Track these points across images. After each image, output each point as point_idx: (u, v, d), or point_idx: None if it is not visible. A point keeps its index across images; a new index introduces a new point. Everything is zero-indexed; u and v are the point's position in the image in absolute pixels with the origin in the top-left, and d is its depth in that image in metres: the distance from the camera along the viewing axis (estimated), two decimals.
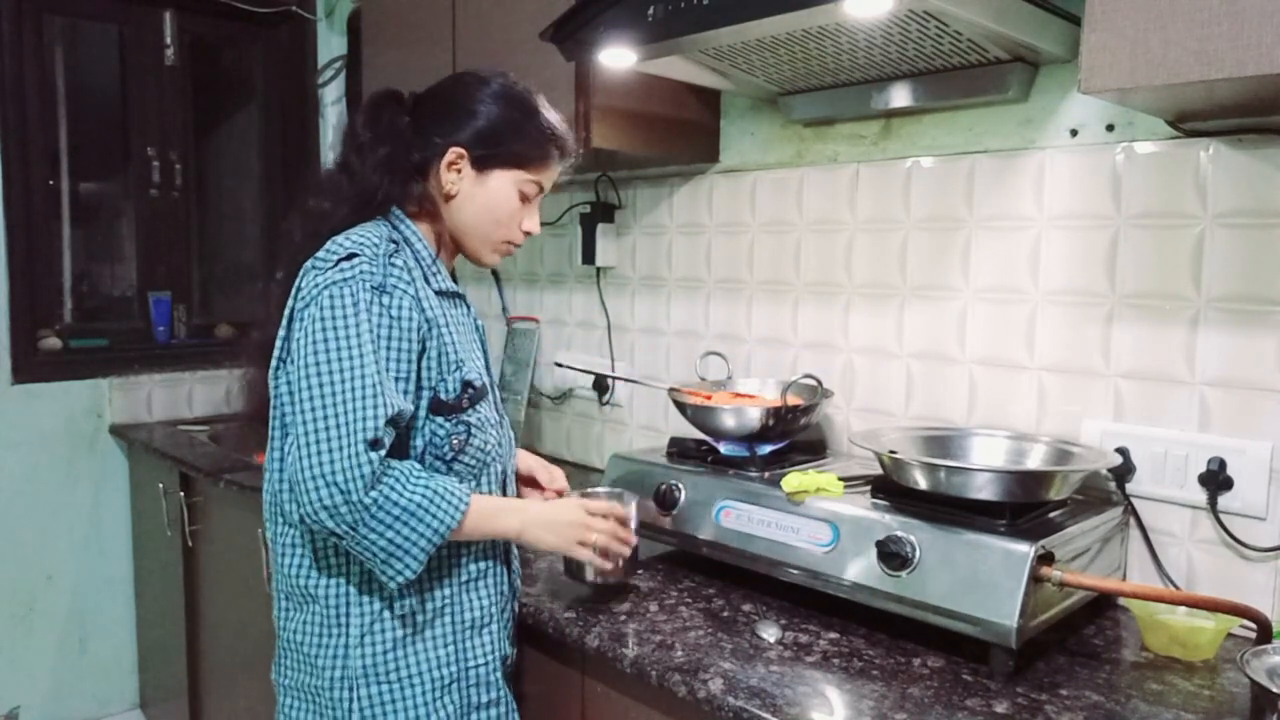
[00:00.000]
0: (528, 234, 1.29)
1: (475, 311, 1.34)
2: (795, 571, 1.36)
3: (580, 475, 2.25)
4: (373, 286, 1.10)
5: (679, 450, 1.65)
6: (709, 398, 1.66)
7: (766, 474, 1.48)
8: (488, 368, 1.31)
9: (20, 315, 2.69)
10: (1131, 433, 1.41)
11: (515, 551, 1.35)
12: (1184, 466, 1.36)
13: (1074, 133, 1.47)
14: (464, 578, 1.23)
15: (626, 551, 1.33)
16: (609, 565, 1.32)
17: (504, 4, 1.90)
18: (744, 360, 1.96)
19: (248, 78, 3.22)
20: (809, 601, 1.37)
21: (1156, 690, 1.14)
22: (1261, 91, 1.10)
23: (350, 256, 1.12)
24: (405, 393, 1.12)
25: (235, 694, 2.37)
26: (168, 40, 2.95)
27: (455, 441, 1.18)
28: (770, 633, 1.29)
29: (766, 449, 1.58)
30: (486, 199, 1.24)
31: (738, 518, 1.43)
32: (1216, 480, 1.33)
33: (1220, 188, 1.32)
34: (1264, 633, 1.11)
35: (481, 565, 1.25)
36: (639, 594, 1.43)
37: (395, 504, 1.07)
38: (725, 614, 1.36)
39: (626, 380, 2.11)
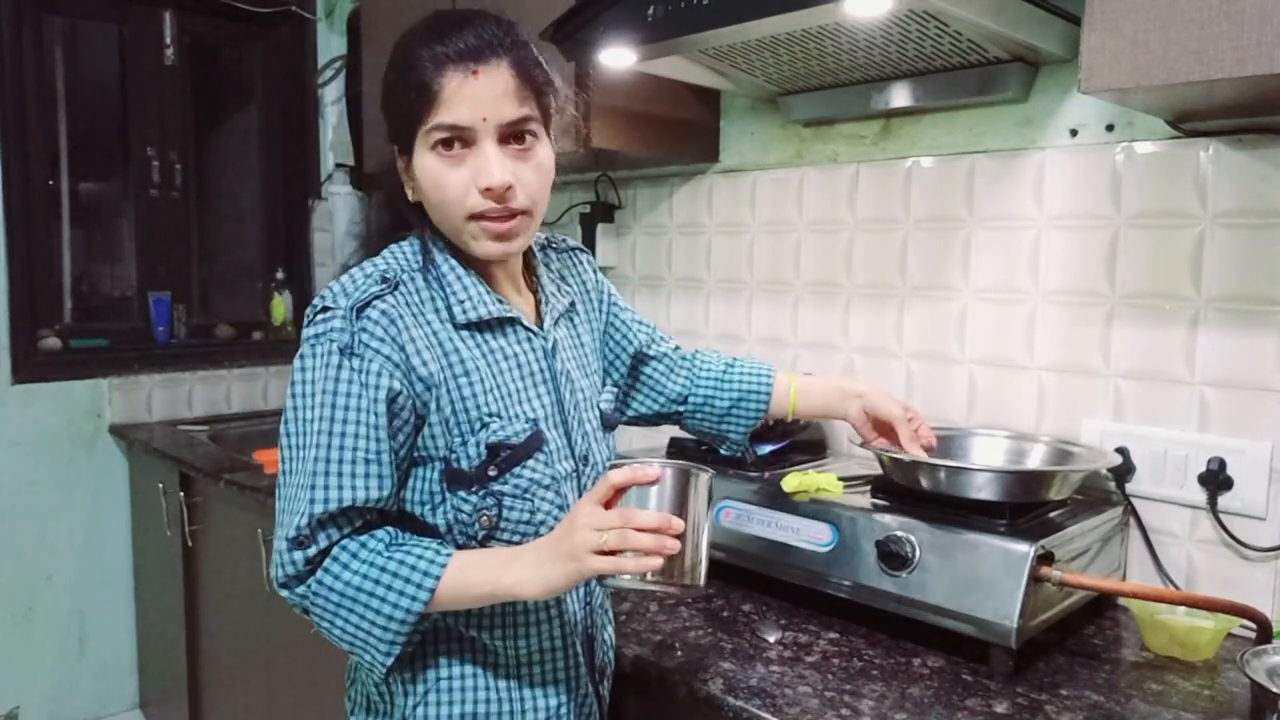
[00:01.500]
0: (490, 191, 0.95)
1: (552, 329, 1.08)
2: (795, 571, 1.36)
3: None
4: (340, 349, 0.92)
5: (679, 450, 1.65)
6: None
7: (766, 474, 1.48)
8: (559, 405, 1.05)
9: (20, 315, 2.68)
10: (1131, 433, 1.41)
11: (604, 624, 1.13)
12: (1184, 466, 1.36)
13: (1074, 133, 1.47)
14: (523, 674, 1.02)
15: (666, 545, 0.87)
16: (644, 566, 0.86)
17: (504, 4, 1.90)
18: None
19: (248, 78, 3.22)
20: (809, 601, 1.37)
21: (1156, 690, 1.14)
22: (1261, 91, 1.10)
23: (324, 309, 0.95)
24: (371, 475, 0.93)
25: (235, 694, 2.37)
26: (168, 40, 2.95)
27: (485, 519, 0.97)
28: (770, 633, 1.29)
29: (766, 449, 1.58)
30: (423, 182, 0.98)
31: (738, 518, 1.43)
32: (1216, 480, 1.33)
33: (1220, 188, 1.32)
34: (1264, 633, 1.11)
35: (546, 660, 1.03)
36: (639, 594, 1.43)
37: (332, 589, 0.92)
38: (725, 614, 1.36)
39: None
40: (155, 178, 2.96)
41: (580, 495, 1.04)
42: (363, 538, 0.94)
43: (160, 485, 2.55)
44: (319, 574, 0.92)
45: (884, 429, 1.25)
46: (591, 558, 0.87)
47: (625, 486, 0.90)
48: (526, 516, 0.99)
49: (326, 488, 0.92)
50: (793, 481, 1.38)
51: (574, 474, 1.05)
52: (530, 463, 0.99)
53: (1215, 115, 1.29)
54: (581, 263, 1.25)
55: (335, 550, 0.93)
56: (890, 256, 1.71)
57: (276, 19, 3.14)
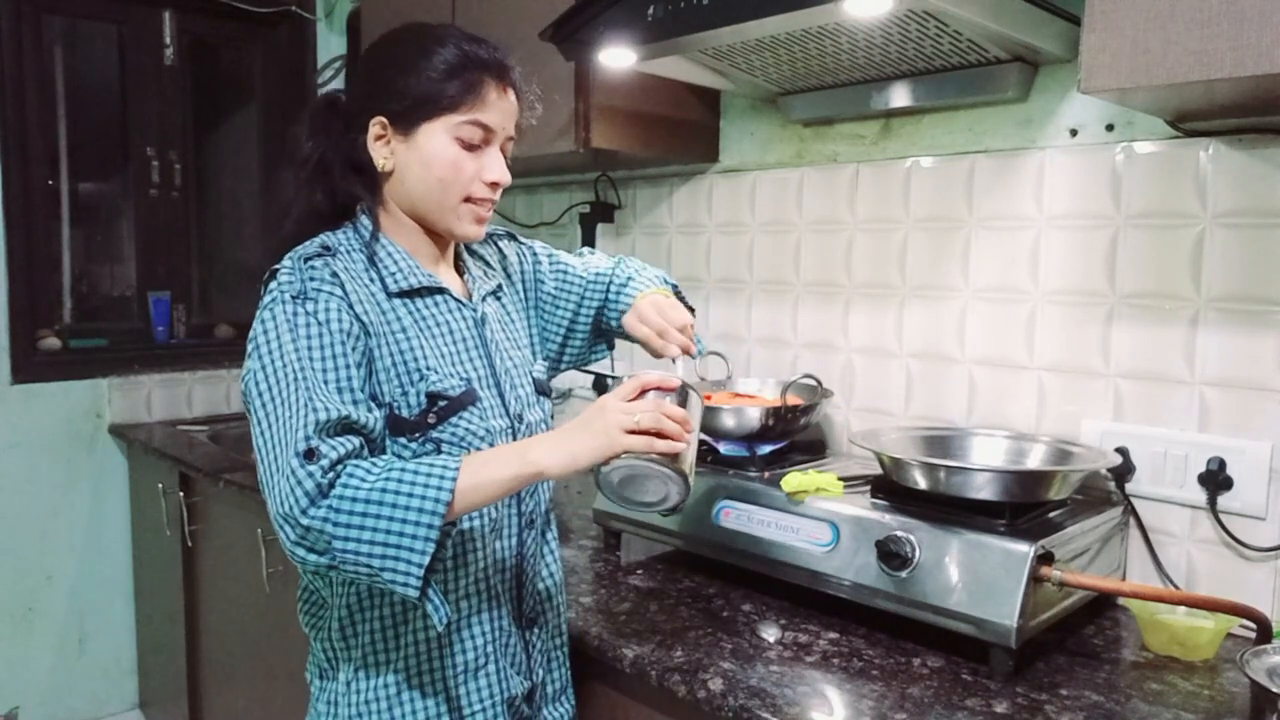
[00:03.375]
0: (494, 185, 1.11)
1: (481, 303, 1.18)
2: (795, 571, 1.35)
3: (580, 475, 2.25)
4: (291, 296, 1.01)
5: None
6: (709, 398, 1.66)
7: (766, 474, 1.48)
8: (491, 369, 1.15)
9: (20, 315, 2.69)
10: (1131, 433, 1.41)
11: (539, 575, 1.20)
12: (1184, 466, 1.36)
13: (1074, 132, 1.47)
14: (453, 616, 1.09)
15: (685, 435, 1.01)
16: (674, 447, 0.99)
17: (504, 4, 1.90)
18: (744, 360, 1.96)
19: (247, 78, 3.22)
20: (809, 601, 1.37)
21: (1156, 690, 1.14)
22: (1261, 91, 1.10)
23: (272, 274, 1.05)
24: (356, 401, 0.99)
25: (235, 694, 2.37)
26: (167, 40, 2.95)
27: None
28: (770, 633, 1.29)
29: (766, 449, 1.58)
30: (422, 160, 1.08)
31: (738, 518, 1.43)
32: (1216, 480, 1.33)
33: (1220, 188, 1.32)
34: (1264, 633, 1.11)
35: (473, 602, 1.10)
36: (639, 594, 1.43)
37: (355, 499, 0.92)
38: (725, 614, 1.36)
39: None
40: (155, 178, 2.96)
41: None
42: (371, 459, 0.97)
43: (160, 485, 2.55)
44: (338, 489, 0.92)
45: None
46: (623, 435, 0.98)
47: (653, 387, 1.03)
48: None
49: (320, 400, 0.96)
50: (793, 481, 1.38)
51: (509, 430, 1.13)
52: (465, 414, 1.08)
53: (1215, 115, 1.29)
54: (501, 249, 1.31)
55: (348, 468, 0.94)
56: (890, 256, 1.71)
57: (276, 19, 3.14)
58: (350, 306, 1.03)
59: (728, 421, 1.57)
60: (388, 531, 0.93)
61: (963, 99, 1.55)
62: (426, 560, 0.93)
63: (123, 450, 2.86)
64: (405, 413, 1.05)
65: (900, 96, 1.61)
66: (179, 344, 3.01)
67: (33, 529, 2.72)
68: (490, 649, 1.12)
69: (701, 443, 1.61)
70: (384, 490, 0.93)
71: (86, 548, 2.82)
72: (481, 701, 1.11)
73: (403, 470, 0.95)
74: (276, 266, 1.05)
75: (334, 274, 1.04)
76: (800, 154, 1.85)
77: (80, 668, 2.84)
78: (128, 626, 2.92)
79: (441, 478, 0.94)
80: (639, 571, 1.53)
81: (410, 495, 0.93)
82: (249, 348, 1.02)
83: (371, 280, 1.08)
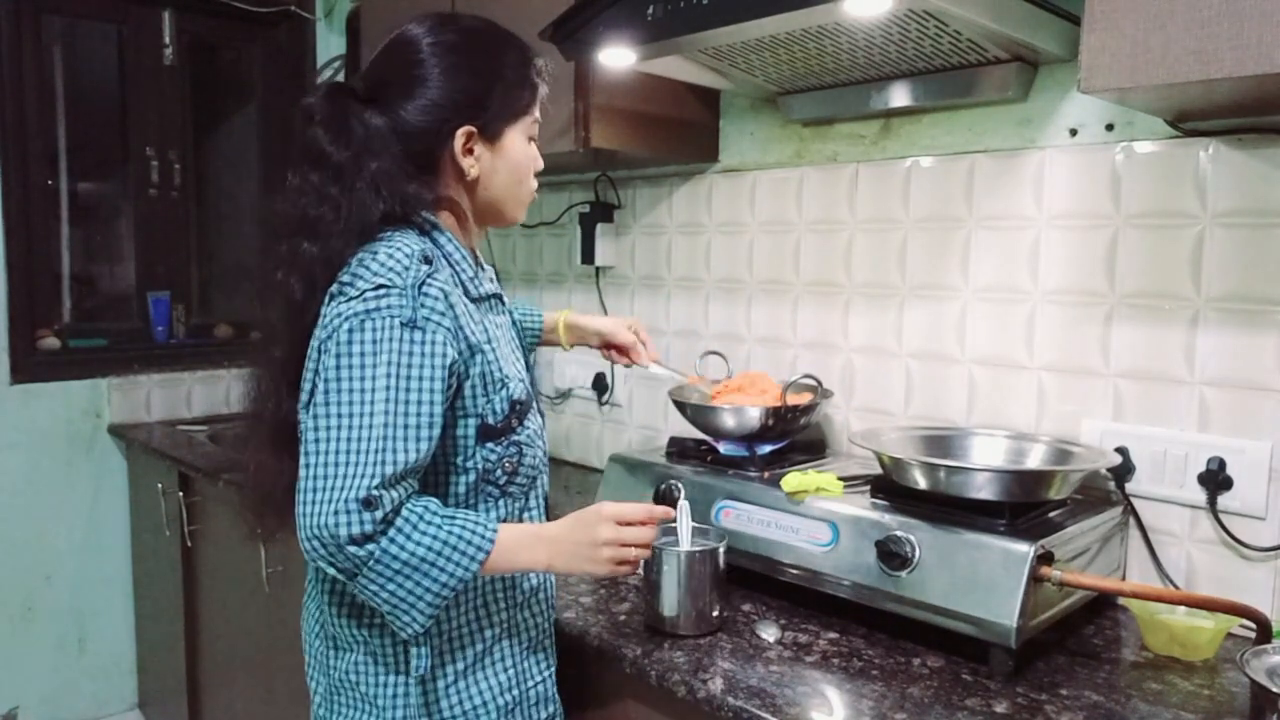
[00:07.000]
0: (539, 172, 1.21)
1: (510, 306, 1.27)
2: (795, 571, 1.36)
3: (580, 475, 2.26)
4: (401, 323, 0.99)
5: (678, 450, 1.65)
6: (717, 395, 1.66)
7: (766, 474, 1.48)
8: (528, 367, 1.23)
9: (19, 315, 2.68)
10: (1131, 432, 1.41)
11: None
12: (1183, 466, 1.36)
13: (1073, 132, 1.47)
14: (519, 598, 1.17)
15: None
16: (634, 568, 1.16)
17: (503, 4, 1.90)
18: (744, 360, 1.96)
19: (247, 77, 3.22)
20: (809, 601, 1.37)
21: (1156, 690, 1.14)
22: (1261, 91, 1.10)
23: (379, 288, 1.00)
24: (429, 439, 1.00)
25: (235, 694, 2.37)
26: (166, 40, 2.95)
27: (508, 465, 1.11)
28: (770, 633, 1.29)
29: (766, 449, 1.58)
30: (509, 164, 1.15)
31: (737, 517, 1.43)
32: (1216, 480, 1.33)
33: (1220, 188, 1.32)
34: (1264, 632, 1.11)
35: (535, 580, 1.19)
36: (639, 594, 1.43)
37: (396, 558, 0.97)
38: (725, 614, 1.36)
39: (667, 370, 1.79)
40: (154, 177, 2.96)
41: (544, 453, 1.21)
42: (419, 506, 1.00)
43: (159, 485, 2.55)
44: (383, 542, 0.97)
45: (620, 350, 1.58)
46: (617, 568, 1.11)
47: (657, 520, 1.15)
48: (533, 462, 1.14)
49: (394, 450, 0.98)
50: (793, 481, 1.38)
51: (542, 430, 1.19)
52: (531, 415, 1.14)
53: (1215, 115, 1.29)
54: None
55: (399, 519, 0.98)
56: (890, 256, 1.71)
57: (276, 19, 3.14)
58: (459, 329, 1.04)
59: (728, 421, 1.57)
60: (409, 592, 0.99)
61: (963, 99, 1.55)
62: (429, 621, 1.02)
63: (122, 450, 2.86)
64: (492, 420, 1.09)
65: (900, 96, 1.61)
66: (178, 344, 3.01)
67: (32, 529, 2.72)
68: (546, 625, 1.23)
69: (701, 443, 1.63)
70: (422, 558, 0.98)
71: (86, 548, 2.82)
72: (543, 673, 1.21)
73: (445, 537, 1.00)
74: (384, 282, 1.00)
75: (445, 295, 1.02)
76: (800, 154, 1.85)
77: (80, 668, 2.84)
78: (128, 626, 2.92)
79: (472, 558, 1.01)
80: (638, 571, 1.53)
81: (442, 569, 1.00)
82: (332, 347, 0.99)
83: (458, 285, 1.09)
